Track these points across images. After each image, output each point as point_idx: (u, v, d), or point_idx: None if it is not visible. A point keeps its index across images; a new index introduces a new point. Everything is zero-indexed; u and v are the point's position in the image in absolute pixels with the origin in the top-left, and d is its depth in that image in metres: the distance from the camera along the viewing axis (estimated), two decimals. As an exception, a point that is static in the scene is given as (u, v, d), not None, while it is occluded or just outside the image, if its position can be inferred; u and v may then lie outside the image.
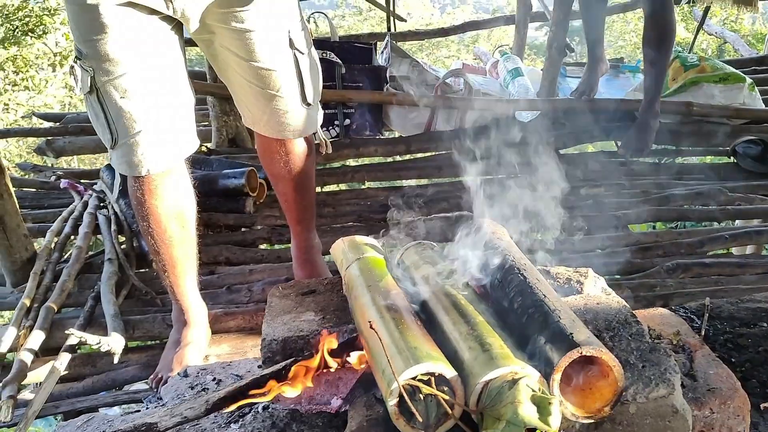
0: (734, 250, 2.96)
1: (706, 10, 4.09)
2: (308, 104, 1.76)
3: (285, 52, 1.67)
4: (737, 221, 2.87)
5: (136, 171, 1.56)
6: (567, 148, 3.24)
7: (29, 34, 8.14)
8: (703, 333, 1.53)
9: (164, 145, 1.57)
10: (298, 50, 1.69)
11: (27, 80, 8.12)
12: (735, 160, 3.03)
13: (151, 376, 1.76)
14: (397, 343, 0.97)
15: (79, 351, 1.95)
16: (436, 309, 1.12)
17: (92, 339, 1.82)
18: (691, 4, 3.96)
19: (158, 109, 1.54)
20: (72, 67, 1.50)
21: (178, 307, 1.82)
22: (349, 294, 1.28)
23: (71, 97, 8.36)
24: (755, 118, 3.28)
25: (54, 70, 8.41)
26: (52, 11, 8.16)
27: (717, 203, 2.66)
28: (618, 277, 2.29)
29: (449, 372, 0.92)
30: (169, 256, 1.70)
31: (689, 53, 3.80)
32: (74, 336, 1.82)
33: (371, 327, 1.00)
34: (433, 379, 0.92)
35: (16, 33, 8.09)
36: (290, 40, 1.67)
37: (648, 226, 2.93)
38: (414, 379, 0.91)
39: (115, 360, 1.87)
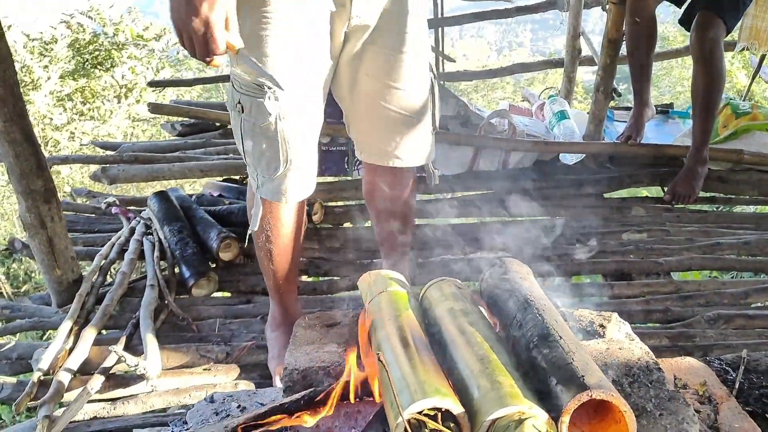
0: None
1: (762, 57, 4.01)
2: (434, 130, 1.85)
3: (427, 76, 1.75)
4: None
5: (284, 199, 1.68)
6: (611, 192, 3.20)
7: (98, 67, 8.51)
8: (737, 386, 1.48)
9: (308, 180, 1.71)
10: (433, 74, 1.77)
11: (93, 110, 8.45)
12: (786, 211, 2.94)
13: (278, 369, 1.88)
14: (406, 376, 0.97)
15: (117, 371, 2.00)
16: (451, 345, 1.12)
17: (131, 360, 1.87)
18: (748, 50, 3.89)
19: (313, 146, 1.69)
20: (247, 103, 1.55)
21: (282, 310, 1.97)
22: (371, 327, 1.29)
23: (134, 127, 8.66)
24: (809, 168, 3.18)
25: (119, 102, 8.74)
26: (120, 46, 8.53)
27: (765, 254, 2.58)
28: (657, 325, 2.24)
29: (456, 408, 0.92)
30: (282, 267, 1.85)
31: (743, 100, 3.73)
32: (115, 353, 1.87)
33: (380, 359, 1.01)
34: (440, 414, 0.92)
35: (85, 66, 8.47)
36: (429, 64, 1.75)
37: (701, 275, 2.86)
38: (420, 413, 0.91)
39: (147, 385, 1.91)
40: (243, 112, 1.56)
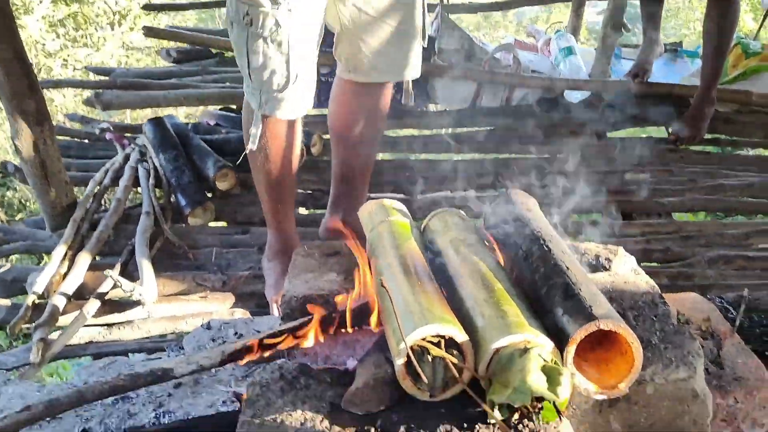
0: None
1: (774, -2, 3.90)
2: (423, 43, 1.86)
3: None
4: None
5: (290, 114, 1.65)
6: (616, 130, 3.15)
7: (91, -9, 8.24)
8: (737, 324, 1.47)
9: (310, 94, 1.69)
10: None
11: (86, 37, 8.24)
12: (791, 154, 2.90)
13: (275, 298, 1.89)
14: (410, 303, 0.95)
15: (113, 297, 1.98)
16: (455, 274, 1.10)
17: (127, 285, 1.85)
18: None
19: (314, 59, 1.65)
20: (258, 15, 1.50)
21: (279, 238, 1.95)
22: (371, 256, 1.27)
23: (128, 56, 8.46)
24: (817, 111, 3.13)
25: (112, 29, 8.50)
26: (115, -31, 8.24)
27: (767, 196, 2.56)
28: (657, 264, 2.22)
29: (460, 336, 0.90)
30: (281, 188, 1.84)
31: (753, 41, 3.64)
32: (112, 278, 1.85)
33: (382, 285, 0.98)
34: (443, 341, 0.90)
35: (78, -11, 8.20)
36: None
37: (699, 216, 2.85)
38: (424, 340, 0.89)
39: (143, 311, 1.90)
40: (251, 25, 1.51)
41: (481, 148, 2.99)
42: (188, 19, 8.69)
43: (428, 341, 0.89)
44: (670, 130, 3.06)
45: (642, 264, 2.19)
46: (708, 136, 3.04)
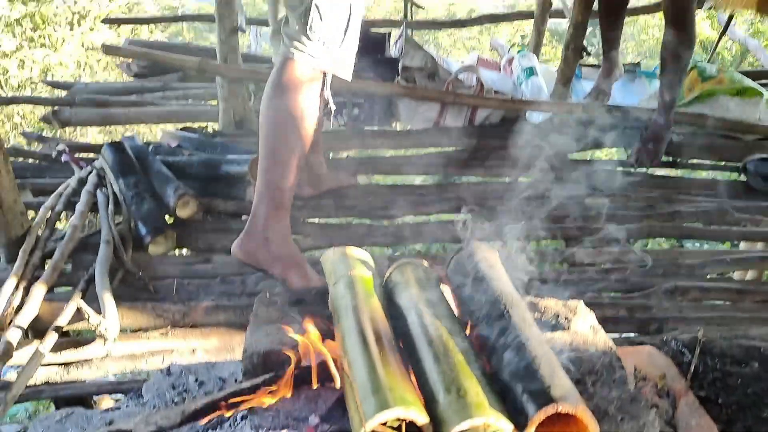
0: (735, 274, 2.91)
1: (730, 17, 3.99)
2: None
3: None
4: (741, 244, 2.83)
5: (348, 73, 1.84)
6: (575, 153, 3.18)
7: (48, -10, 8.06)
8: (692, 369, 1.50)
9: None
10: None
11: (44, 38, 8.05)
12: (745, 178, 2.96)
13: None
14: (370, 382, 0.95)
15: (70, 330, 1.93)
16: (417, 340, 1.10)
17: (94, 317, 1.80)
18: (715, 9, 3.86)
19: None
20: None
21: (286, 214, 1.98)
22: (334, 313, 1.26)
23: (87, 57, 8.28)
24: (770, 134, 3.21)
25: (71, 29, 8.32)
26: (73, -32, 8.06)
27: (723, 223, 2.61)
28: (614, 295, 2.26)
29: (421, 418, 0.90)
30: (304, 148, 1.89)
31: (709, 55, 3.72)
32: (80, 308, 1.80)
33: (343, 369, 0.98)
34: (404, 424, 0.90)
35: (35, -11, 8.01)
36: None
37: (654, 243, 2.90)
38: (384, 424, 0.89)
39: (104, 346, 1.86)
40: None
41: (444, 170, 3.01)
42: (155, 29, 8.48)
43: (389, 425, 0.89)
44: (628, 152, 3.11)
45: (603, 294, 2.24)
46: (665, 159, 3.09)
